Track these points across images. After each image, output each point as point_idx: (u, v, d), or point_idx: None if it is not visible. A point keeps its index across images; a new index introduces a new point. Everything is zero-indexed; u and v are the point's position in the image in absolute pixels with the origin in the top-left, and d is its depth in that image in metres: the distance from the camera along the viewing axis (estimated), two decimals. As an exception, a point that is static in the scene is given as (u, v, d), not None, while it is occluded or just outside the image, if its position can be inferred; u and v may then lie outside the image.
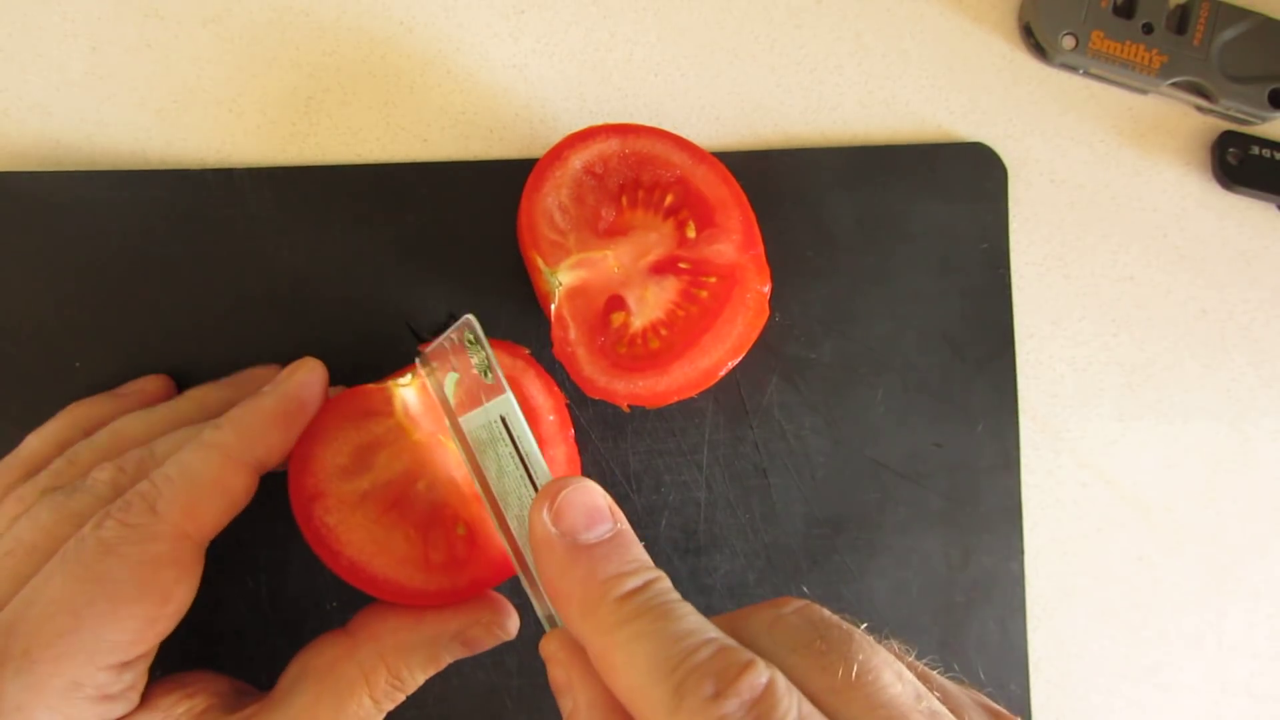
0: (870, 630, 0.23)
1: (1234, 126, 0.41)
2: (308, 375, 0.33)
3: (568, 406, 0.36)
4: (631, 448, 0.38)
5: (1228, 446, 0.41)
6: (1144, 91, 0.41)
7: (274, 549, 0.37)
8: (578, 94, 0.40)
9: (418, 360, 0.33)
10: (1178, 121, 0.42)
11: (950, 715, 0.21)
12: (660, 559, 0.38)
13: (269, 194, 0.38)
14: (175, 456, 0.30)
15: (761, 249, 0.35)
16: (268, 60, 0.40)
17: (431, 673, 0.32)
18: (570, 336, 0.35)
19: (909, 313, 0.39)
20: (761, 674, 0.20)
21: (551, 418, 0.35)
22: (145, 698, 0.29)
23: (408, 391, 0.33)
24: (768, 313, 0.35)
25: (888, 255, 0.40)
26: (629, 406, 0.35)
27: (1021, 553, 0.39)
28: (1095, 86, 0.42)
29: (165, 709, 0.29)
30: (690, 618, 0.22)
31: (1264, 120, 0.41)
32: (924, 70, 0.41)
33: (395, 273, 0.38)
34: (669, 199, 0.36)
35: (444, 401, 0.32)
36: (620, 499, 0.37)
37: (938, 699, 0.21)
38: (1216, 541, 0.40)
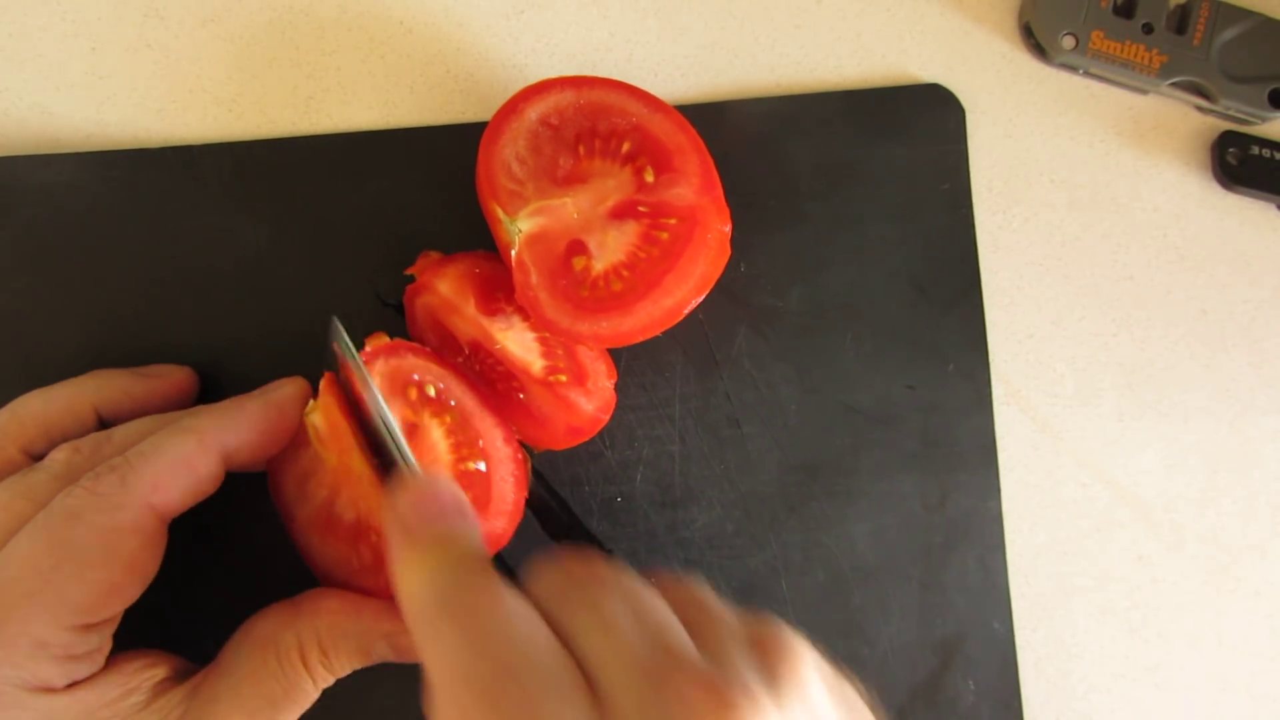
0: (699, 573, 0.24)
1: (1234, 126, 0.41)
2: (293, 391, 0.34)
3: None
4: None
5: (1228, 446, 0.41)
6: (1144, 91, 0.41)
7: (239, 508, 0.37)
8: (578, 94, 0.40)
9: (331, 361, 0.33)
10: (1178, 121, 0.42)
11: (687, 647, 0.23)
12: (637, 514, 0.38)
13: (228, 168, 0.38)
14: (151, 438, 0.31)
15: (720, 190, 0.35)
16: (268, 60, 0.40)
17: (359, 664, 0.33)
18: (532, 281, 0.35)
19: (874, 257, 0.39)
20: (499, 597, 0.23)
21: None
22: (111, 664, 0.30)
23: (315, 419, 0.34)
24: (729, 252, 0.35)
25: (850, 201, 0.40)
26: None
27: (999, 491, 0.39)
28: (1095, 86, 0.42)
29: (129, 674, 0.31)
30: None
31: (1264, 120, 0.41)
32: (924, 71, 0.41)
33: (357, 240, 0.38)
34: (626, 146, 0.36)
35: (364, 380, 0.32)
36: (594, 456, 0.38)
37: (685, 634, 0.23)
38: (1216, 541, 0.40)
